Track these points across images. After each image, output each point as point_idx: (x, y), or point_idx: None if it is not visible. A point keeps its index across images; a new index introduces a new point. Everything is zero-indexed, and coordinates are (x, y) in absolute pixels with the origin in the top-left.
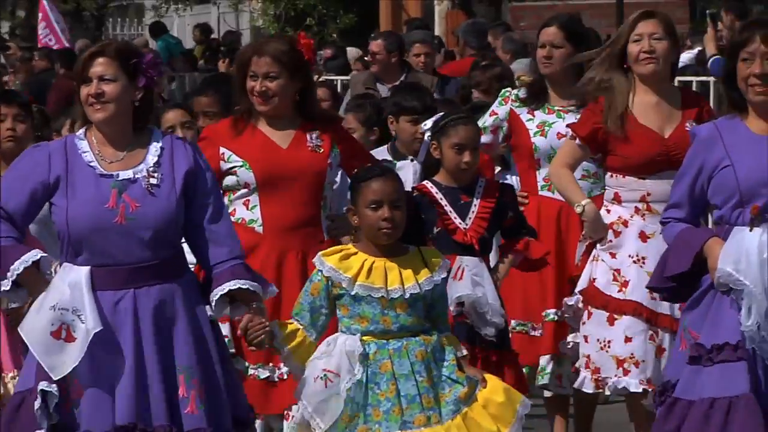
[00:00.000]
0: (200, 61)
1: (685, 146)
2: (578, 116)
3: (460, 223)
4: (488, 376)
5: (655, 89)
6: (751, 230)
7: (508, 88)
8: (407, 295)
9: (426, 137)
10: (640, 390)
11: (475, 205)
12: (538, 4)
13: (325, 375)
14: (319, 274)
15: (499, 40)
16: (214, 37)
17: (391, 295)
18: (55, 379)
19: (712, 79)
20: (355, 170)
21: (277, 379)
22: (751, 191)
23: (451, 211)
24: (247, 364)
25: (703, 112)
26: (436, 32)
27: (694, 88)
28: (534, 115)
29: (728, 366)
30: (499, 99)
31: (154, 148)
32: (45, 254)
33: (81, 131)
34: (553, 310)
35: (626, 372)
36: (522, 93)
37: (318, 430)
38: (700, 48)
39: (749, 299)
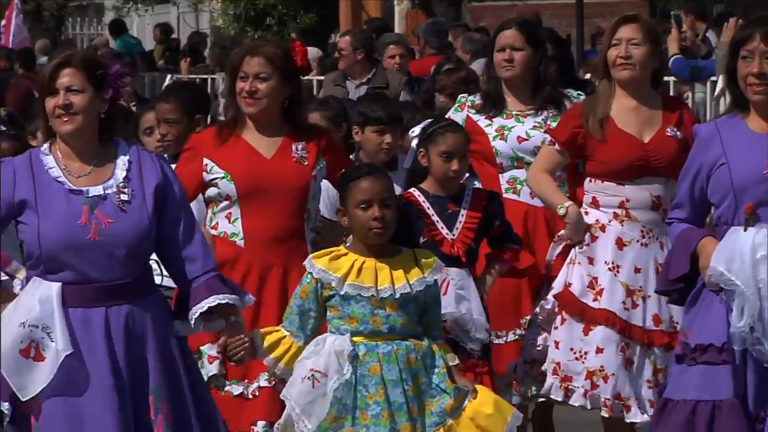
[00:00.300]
0: (160, 62)
1: (665, 152)
2: (537, 120)
3: (447, 234)
4: (479, 387)
5: (633, 94)
6: (745, 230)
7: (464, 94)
8: (397, 295)
9: (413, 144)
10: (604, 414)
11: (462, 215)
12: (498, 4)
13: (312, 375)
14: (309, 276)
15: (458, 40)
16: (174, 37)
17: (381, 294)
18: (23, 399)
19: (672, 78)
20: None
21: (251, 396)
22: (745, 189)
23: (438, 221)
24: (223, 381)
25: (683, 117)
26: (396, 32)
27: None
28: (492, 121)
29: (712, 369)
30: (456, 105)
31: (122, 162)
32: (6, 277)
33: (45, 146)
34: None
35: (594, 386)
36: (478, 99)
37: None
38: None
39: (741, 300)
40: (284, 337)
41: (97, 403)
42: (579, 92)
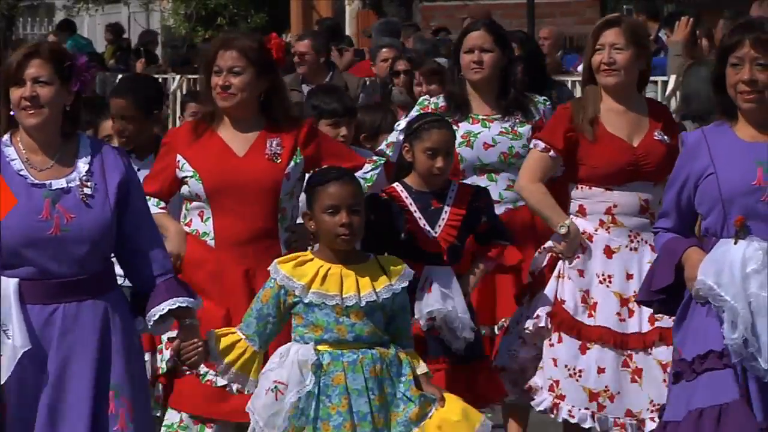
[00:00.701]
0: (110, 61)
1: (655, 156)
2: (504, 126)
3: (429, 231)
4: (447, 395)
5: (620, 99)
6: (735, 243)
7: (426, 97)
8: (363, 303)
9: (398, 138)
10: None
11: (445, 212)
12: (449, 4)
13: (275, 387)
14: (272, 281)
15: (410, 40)
16: (125, 36)
17: (346, 302)
18: None
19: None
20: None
21: (236, 391)
22: (734, 200)
23: (420, 218)
24: (206, 370)
25: (668, 121)
26: (347, 32)
27: None
28: (458, 126)
29: (715, 374)
30: (417, 108)
31: (84, 156)
32: None
33: (6, 137)
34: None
35: (601, 407)
36: (441, 101)
37: None
38: None
39: (732, 314)
40: (239, 340)
41: (41, 401)
42: (545, 98)
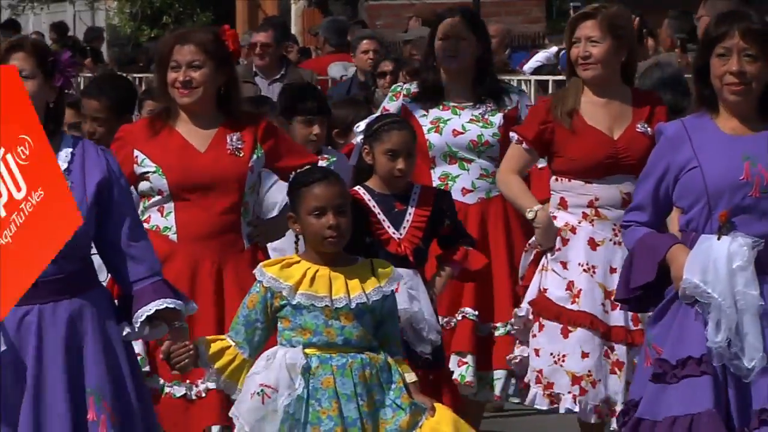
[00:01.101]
0: None
1: (635, 149)
2: (475, 114)
3: (394, 233)
4: (438, 405)
5: (601, 92)
6: (719, 238)
7: (400, 83)
8: (353, 305)
9: (358, 140)
10: (591, 421)
11: (410, 214)
12: (395, 3)
13: (262, 390)
14: (258, 285)
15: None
16: (70, 35)
17: (335, 304)
18: None
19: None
20: (295, 171)
21: (194, 397)
22: (721, 195)
23: (384, 220)
24: (162, 381)
25: (654, 111)
26: (293, 30)
27: (550, 88)
28: (428, 112)
29: (691, 381)
30: (390, 95)
31: (65, 153)
32: None
33: None
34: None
35: (583, 391)
36: (414, 88)
37: None
38: (556, 47)
39: (717, 313)
40: (229, 347)
41: (29, 402)
42: (521, 89)
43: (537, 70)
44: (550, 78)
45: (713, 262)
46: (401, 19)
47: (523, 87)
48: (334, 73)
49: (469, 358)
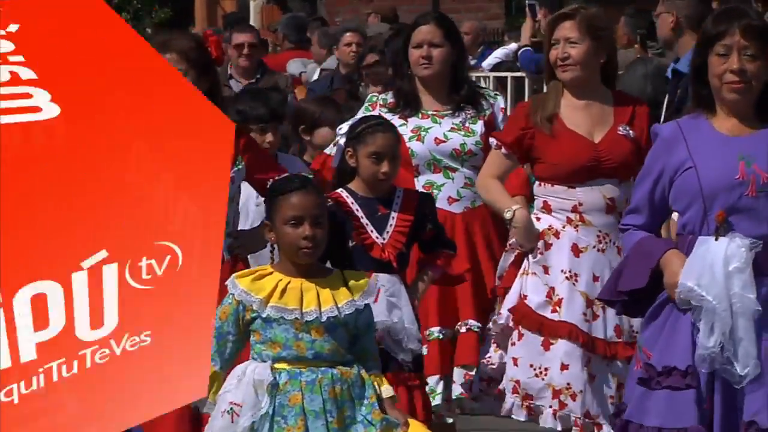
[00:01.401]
0: None
1: (617, 152)
2: (455, 122)
3: (377, 238)
4: (412, 421)
5: (581, 94)
6: (716, 239)
7: (375, 93)
8: (324, 319)
9: (341, 142)
10: None
11: (393, 218)
12: None
13: (231, 409)
14: (230, 297)
15: (315, 35)
16: None
17: (305, 317)
18: None
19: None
20: (270, 182)
21: None
22: (716, 196)
23: (367, 224)
24: None
25: (635, 113)
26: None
27: (509, 84)
28: (407, 121)
29: (675, 394)
30: (366, 104)
31: None
32: None
33: None
34: (438, 329)
35: (562, 405)
36: (390, 98)
37: None
38: (515, 44)
39: (710, 317)
40: None
41: None
42: (496, 93)
43: (496, 67)
44: (509, 75)
45: (709, 264)
46: (360, 15)
47: (482, 83)
48: (293, 70)
49: (475, 372)
